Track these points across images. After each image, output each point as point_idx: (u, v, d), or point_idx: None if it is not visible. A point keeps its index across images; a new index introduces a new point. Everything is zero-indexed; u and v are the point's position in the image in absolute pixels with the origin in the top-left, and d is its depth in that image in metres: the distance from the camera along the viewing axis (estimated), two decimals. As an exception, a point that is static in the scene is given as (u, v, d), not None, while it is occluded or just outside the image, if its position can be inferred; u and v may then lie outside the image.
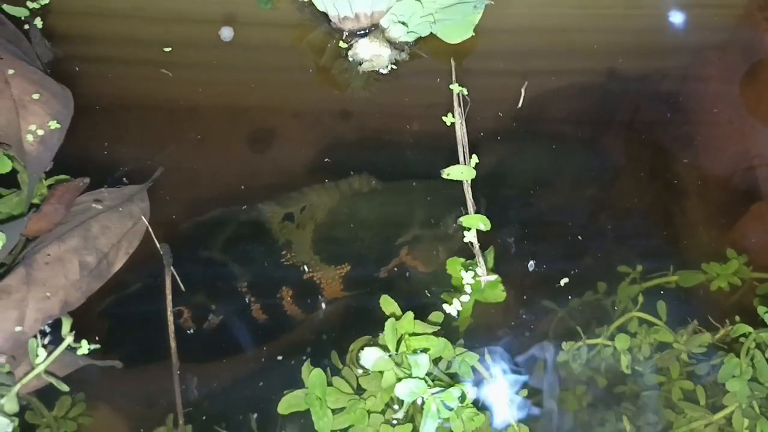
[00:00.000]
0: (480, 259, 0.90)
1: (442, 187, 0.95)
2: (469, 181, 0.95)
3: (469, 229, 0.92)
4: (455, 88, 1.01)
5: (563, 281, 0.92)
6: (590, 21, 1.15)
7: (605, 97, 1.08)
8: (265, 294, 0.89)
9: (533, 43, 1.12)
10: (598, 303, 0.92)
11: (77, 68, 1.01)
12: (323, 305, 0.89)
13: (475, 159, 0.96)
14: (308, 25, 1.07)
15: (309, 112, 1.03)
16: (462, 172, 0.95)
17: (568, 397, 0.87)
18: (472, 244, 0.91)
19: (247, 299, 0.88)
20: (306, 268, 0.88)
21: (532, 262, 0.92)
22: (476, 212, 0.93)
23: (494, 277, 0.89)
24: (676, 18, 1.13)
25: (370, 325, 0.84)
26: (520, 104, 0.98)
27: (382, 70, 1.04)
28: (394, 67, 1.04)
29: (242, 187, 0.94)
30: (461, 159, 0.97)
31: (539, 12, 1.14)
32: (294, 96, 1.05)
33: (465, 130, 0.97)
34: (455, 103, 0.99)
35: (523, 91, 0.99)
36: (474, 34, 1.04)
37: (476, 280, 0.89)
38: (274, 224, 0.90)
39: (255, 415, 0.83)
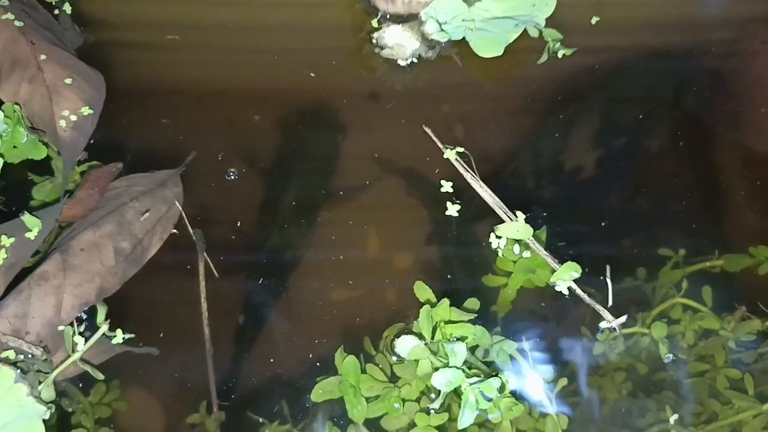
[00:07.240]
0: (599, 306, 0.85)
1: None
2: (533, 239, 0.87)
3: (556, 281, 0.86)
4: (450, 154, 0.93)
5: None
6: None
7: (648, 75, 1.04)
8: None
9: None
10: (638, 288, 0.88)
11: (107, 54, 1.01)
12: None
13: (521, 215, 0.88)
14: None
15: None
16: (517, 230, 0.87)
17: (608, 386, 0.84)
18: (571, 290, 0.86)
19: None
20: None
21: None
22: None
23: (624, 318, 0.84)
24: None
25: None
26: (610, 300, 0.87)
27: (400, 62, 1.00)
28: (415, 61, 1.00)
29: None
30: (506, 220, 0.89)
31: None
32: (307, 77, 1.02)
33: (490, 191, 0.90)
34: (461, 170, 0.91)
35: (608, 281, 0.86)
36: (503, 53, 0.97)
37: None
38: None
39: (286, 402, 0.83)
